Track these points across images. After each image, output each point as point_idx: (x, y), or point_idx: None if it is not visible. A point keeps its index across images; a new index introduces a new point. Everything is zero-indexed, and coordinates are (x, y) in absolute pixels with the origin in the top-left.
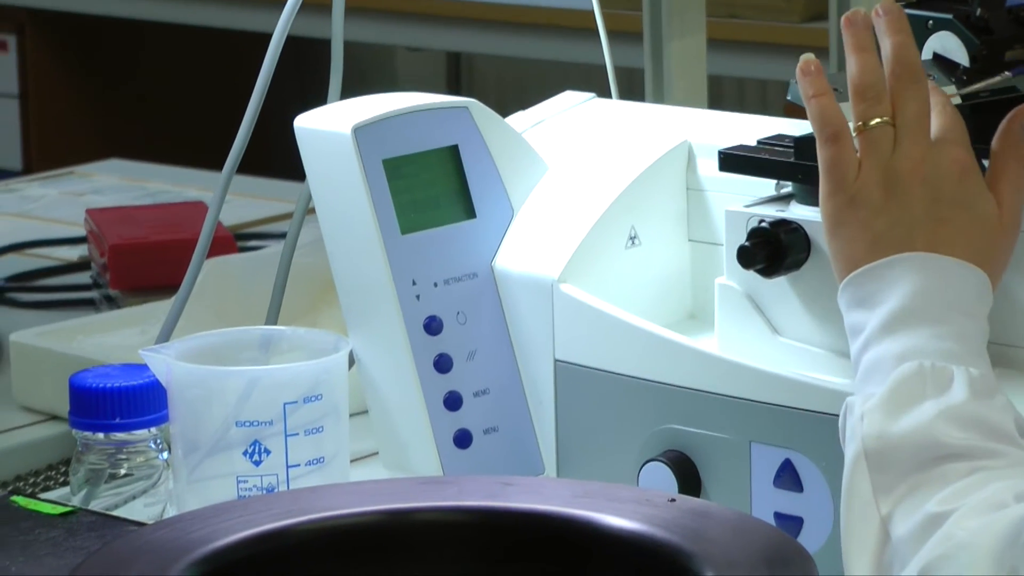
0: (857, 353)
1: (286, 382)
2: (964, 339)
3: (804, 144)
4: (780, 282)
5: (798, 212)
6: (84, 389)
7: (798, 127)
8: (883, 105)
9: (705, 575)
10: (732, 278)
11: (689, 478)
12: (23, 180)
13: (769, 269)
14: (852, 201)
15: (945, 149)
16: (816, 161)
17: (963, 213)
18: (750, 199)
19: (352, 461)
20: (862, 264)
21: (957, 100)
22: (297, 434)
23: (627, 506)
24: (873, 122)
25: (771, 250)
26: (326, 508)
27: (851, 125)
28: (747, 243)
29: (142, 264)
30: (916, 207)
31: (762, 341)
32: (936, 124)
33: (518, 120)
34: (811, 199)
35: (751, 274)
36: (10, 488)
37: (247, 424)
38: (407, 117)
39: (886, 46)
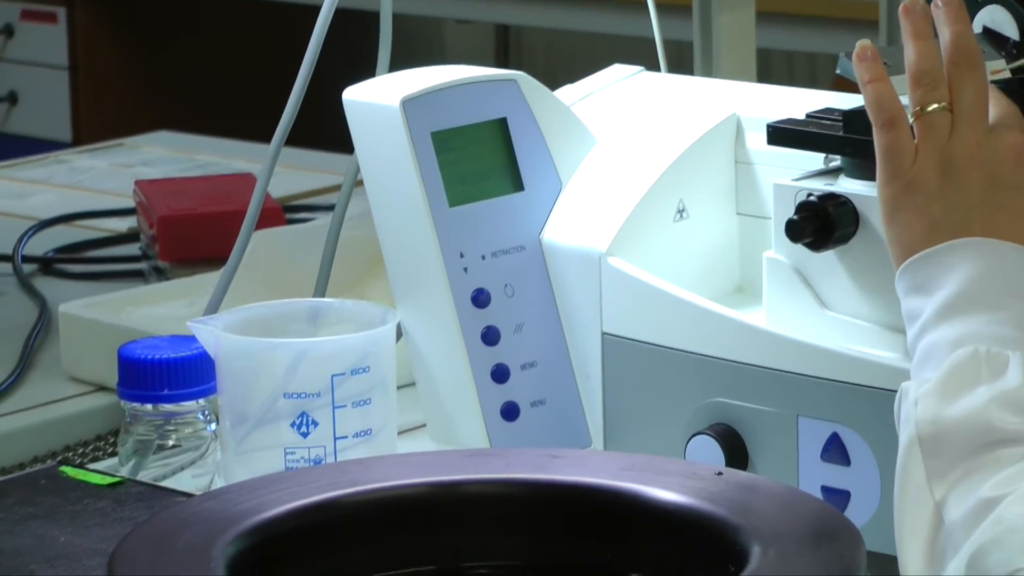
0: (914, 339)
1: (334, 354)
2: (1021, 325)
3: (853, 118)
4: (828, 256)
5: (847, 186)
6: (132, 360)
7: (847, 101)
8: (940, 91)
9: (752, 548)
10: (780, 252)
11: (736, 451)
12: (72, 152)
13: (817, 243)
14: (909, 187)
15: (1002, 135)
16: (865, 135)
17: (1020, 198)
18: (798, 173)
19: (399, 433)
20: (919, 250)
21: (1007, 74)
22: (345, 406)
23: (674, 479)
24: (931, 108)
25: (819, 224)
26: (373, 480)
27: (908, 112)
28: (795, 217)
29: (191, 236)
30: (973, 192)
31: (810, 315)
32: (993, 111)
33: (566, 93)
34: (860, 173)
35: (799, 248)
36: (59, 458)
37: (295, 396)
38: (456, 90)
39: (945, 35)
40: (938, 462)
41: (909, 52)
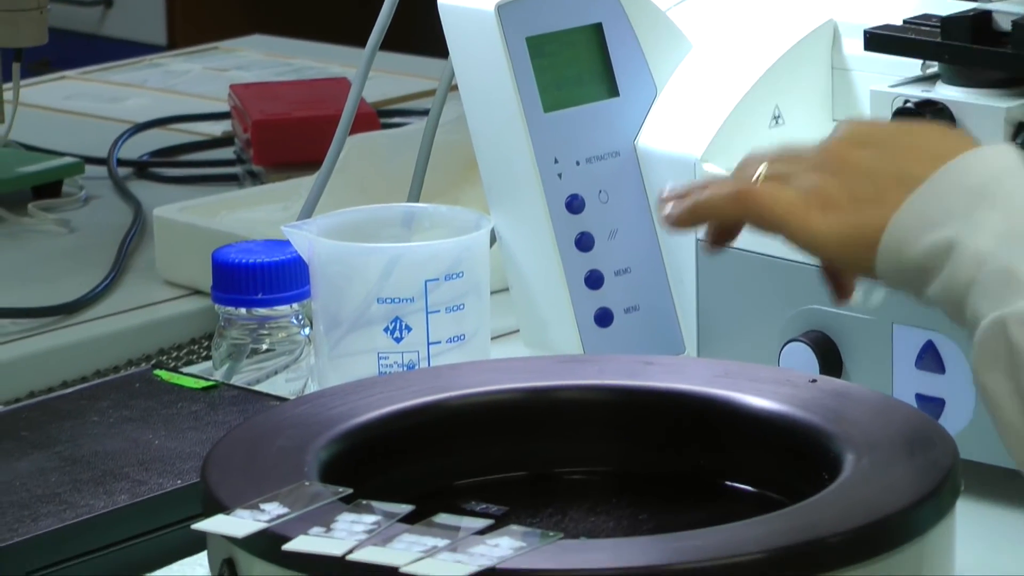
0: (964, 271)
1: (428, 259)
2: None
3: (951, 24)
4: None
5: (944, 92)
6: (227, 264)
7: (945, 6)
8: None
9: (845, 456)
10: None
11: (830, 359)
12: (167, 55)
13: None
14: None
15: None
16: (964, 41)
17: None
18: (895, 79)
19: (493, 339)
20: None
21: None
22: (438, 311)
23: (767, 386)
24: (762, 174)
25: None
26: (466, 385)
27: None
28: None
29: (285, 140)
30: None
31: None
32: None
33: None
34: (958, 79)
35: None
36: (153, 362)
37: (388, 301)
38: None
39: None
40: None
41: (706, 193)
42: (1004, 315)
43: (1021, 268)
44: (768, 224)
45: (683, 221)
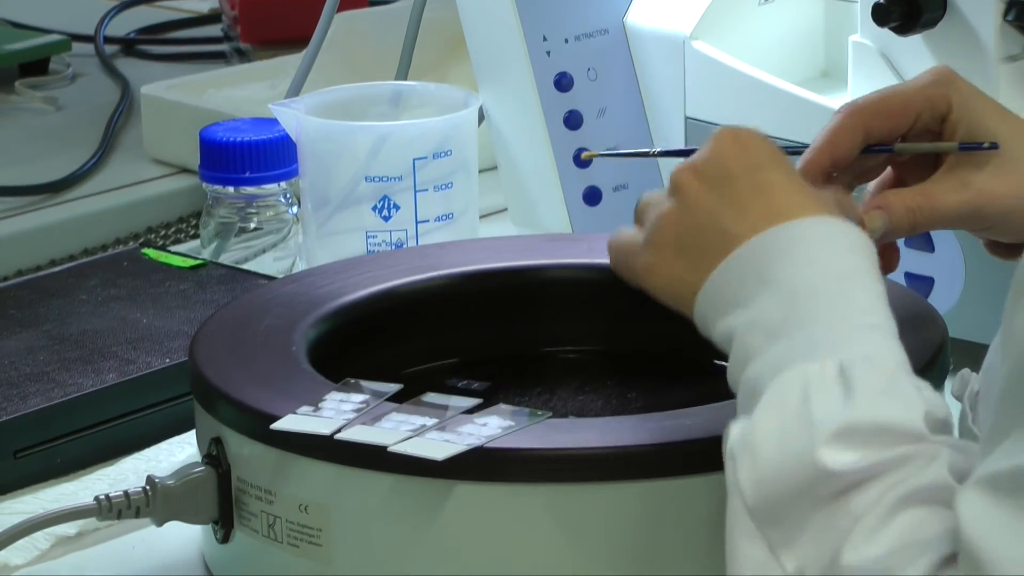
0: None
1: (416, 137)
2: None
3: None
4: (915, 40)
5: None
6: (214, 143)
7: None
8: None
9: None
10: (866, 36)
11: None
12: None
13: (904, 27)
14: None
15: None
16: None
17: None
18: None
19: (481, 217)
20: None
21: None
22: (426, 190)
23: None
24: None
25: (906, 7)
26: (455, 264)
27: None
28: (882, 0)
29: (273, 17)
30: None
31: None
32: None
33: None
34: None
35: (885, 32)
36: (141, 240)
37: (376, 179)
38: None
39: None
40: (778, 530)
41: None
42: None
43: (762, 379)
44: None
45: None
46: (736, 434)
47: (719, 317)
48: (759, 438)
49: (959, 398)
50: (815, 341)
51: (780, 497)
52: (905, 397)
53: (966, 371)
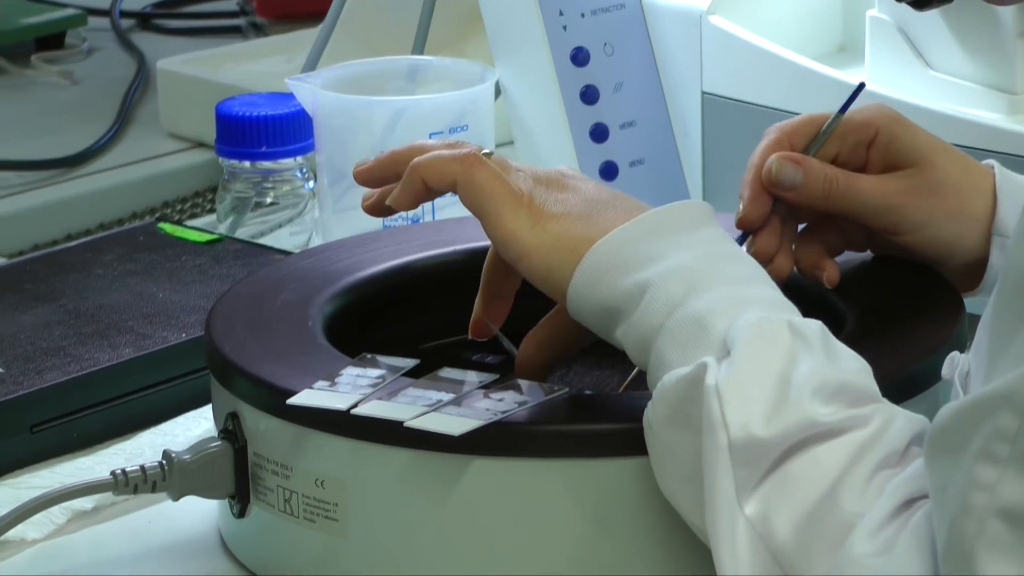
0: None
1: (432, 112)
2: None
3: None
4: (932, 15)
5: None
6: (230, 117)
7: None
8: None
9: (847, 316)
10: (883, 10)
11: None
12: None
13: (921, 1)
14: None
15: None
16: None
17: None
18: None
19: None
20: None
21: None
22: None
23: None
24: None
25: None
26: (471, 239)
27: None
28: None
29: None
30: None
31: (913, 74)
32: None
33: None
34: None
35: (903, 6)
36: (157, 215)
37: None
38: None
39: None
40: (748, 471)
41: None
42: (689, 374)
43: (710, 319)
44: (479, 200)
45: (381, 170)
46: (723, 374)
47: (622, 275)
48: (748, 380)
49: (949, 379)
50: (763, 297)
51: (762, 440)
52: (855, 359)
53: (955, 353)
